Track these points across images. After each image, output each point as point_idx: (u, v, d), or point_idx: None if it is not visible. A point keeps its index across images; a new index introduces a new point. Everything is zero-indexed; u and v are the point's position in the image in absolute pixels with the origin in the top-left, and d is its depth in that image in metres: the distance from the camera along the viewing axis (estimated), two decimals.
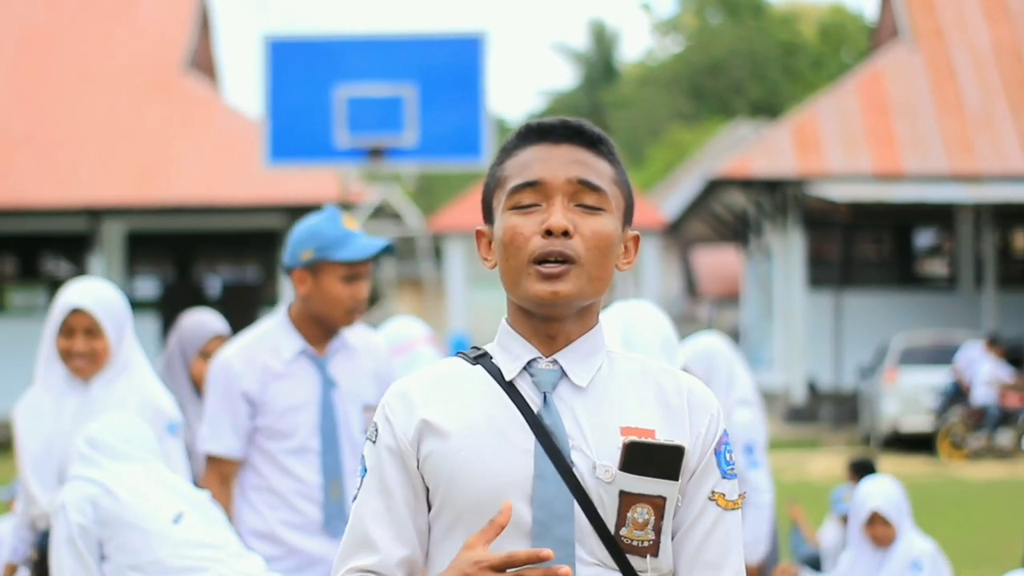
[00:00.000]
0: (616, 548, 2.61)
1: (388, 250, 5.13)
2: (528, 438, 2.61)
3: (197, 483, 6.15)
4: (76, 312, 5.22)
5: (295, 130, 20.53)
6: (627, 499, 2.60)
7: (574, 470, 2.60)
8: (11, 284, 28.59)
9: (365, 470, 2.68)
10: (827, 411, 26.16)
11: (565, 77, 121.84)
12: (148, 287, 28.69)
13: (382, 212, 30.66)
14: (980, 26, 28.64)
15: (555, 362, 2.67)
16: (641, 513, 2.60)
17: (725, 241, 35.26)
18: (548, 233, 2.63)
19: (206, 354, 6.20)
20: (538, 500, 2.59)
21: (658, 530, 2.62)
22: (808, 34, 59.40)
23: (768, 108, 55.23)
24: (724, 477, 2.68)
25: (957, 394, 21.99)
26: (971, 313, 26.82)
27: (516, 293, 2.66)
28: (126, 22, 30.20)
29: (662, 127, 59.62)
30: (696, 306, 45.29)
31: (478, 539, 2.52)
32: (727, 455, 2.70)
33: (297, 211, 27.27)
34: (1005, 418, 21.91)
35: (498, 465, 2.60)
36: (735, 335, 38.60)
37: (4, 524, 7.84)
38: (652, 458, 2.60)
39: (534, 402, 2.64)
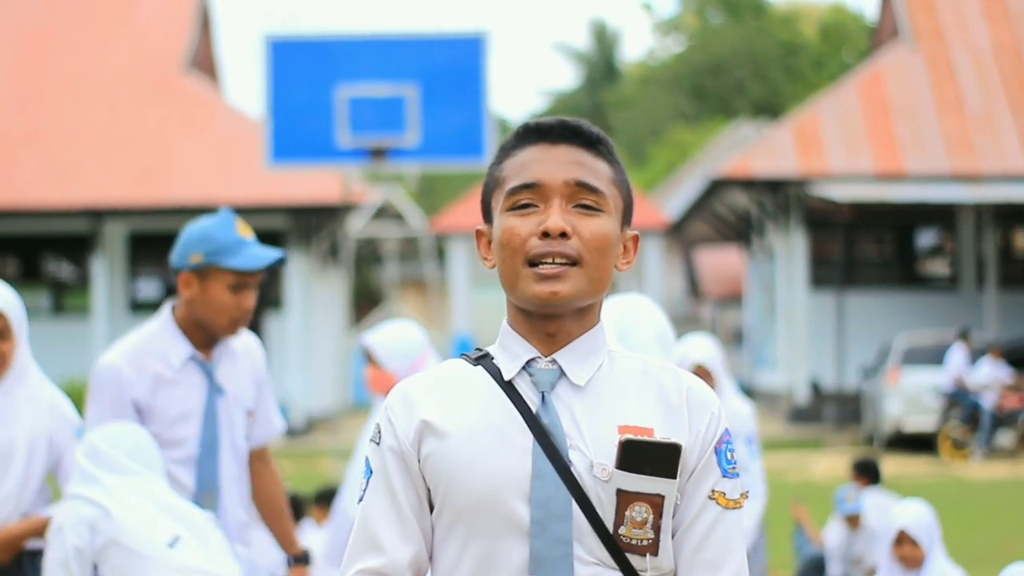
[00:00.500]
0: (615, 547, 2.60)
1: (280, 262, 4.98)
2: (526, 437, 2.61)
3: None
4: None
5: (296, 130, 20.52)
6: (625, 498, 2.59)
7: (572, 469, 2.59)
8: (12, 285, 28.56)
9: (370, 472, 2.69)
10: (830, 411, 26.16)
11: (566, 77, 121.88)
12: (150, 288, 28.68)
13: (385, 212, 30.67)
14: (980, 26, 28.64)
15: (554, 361, 2.66)
16: (639, 512, 2.59)
17: (727, 241, 35.25)
18: (546, 235, 2.62)
19: None
20: (536, 499, 2.58)
21: (657, 529, 2.61)
22: (809, 34, 59.40)
23: (769, 108, 55.23)
24: (725, 476, 2.67)
25: (955, 396, 21.99)
26: (973, 313, 26.82)
27: (515, 294, 2.66)
28: (126, 22, 30.20)
29: (664, 127, 59.62)
30: (699, 306, 45.28)
31: None
32: (728, 454, 2.68)
33: (299, 212, 27.30)
34: (1005, 419, 21.92)
35: (496, 465, 2.60)
36: (738, 335, 38.63)
37: None
38: (649, 456, 2.59)
39: (532, 402, 2.64)
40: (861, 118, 27.33)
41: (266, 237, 28.71)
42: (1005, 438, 22.06)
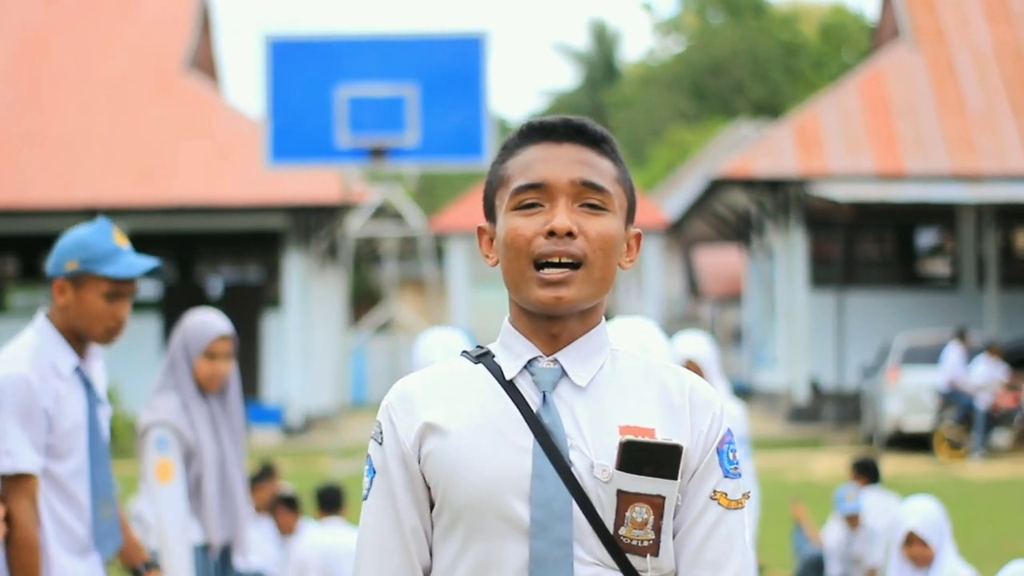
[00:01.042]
0: (615, 547, 2.59)
1: (155, 271, 4.95)
2: (527, 437, 2.60)
3: (189, 485, 6.14)
4: None
5: (296, 130, 20.53)
6: (625, 498, 2.58)
7: (572, 469, 2.58)
8: (12, 284, 28.59)
9: (373, 471, 2.70)
10: (830, 411, 26.15)
11: (566, 77, 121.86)
12: (149, 287, 28.67)
13: (384, 212, 30.65)
14: (981, 26, 28.63)
15: (555, 361, 2.65)
16: (640, 512, 2.59)
17: (727, 241, 35.26)
18: (552, 234, 2.61)
19: (211, 355, 6.17)
20: (536, 499, 2.57)
21: (658, 529, 2.60)
22: (809, 34, 59.40)
23: (769, 108, 55.24)
24: (726, 476, 2.66)
25: (950, 396, 21.99)
26: (973, 313, 26.81)
27: (518, 296, 2.66)
28: (127, 22, 30.20)
29: (664, 127, 59.62)
30: (698, 306, 45.29)
31: None
32: (730, 454, 2.68)
33: (299, 211, 27.29)
34: (1000, 418, 21.92)
35: (496, 464, 2.59)
36: (737, 335, 38.64)
37: None
38: (649, 457, 2.58)
39: (533, 401, 2.63)
40: (861, 118, 27.33)
41: (265, 237, 28.73)
42: (1001, 438, 22.05)
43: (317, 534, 9.60)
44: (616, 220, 2.66)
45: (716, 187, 28.99)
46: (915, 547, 7.18)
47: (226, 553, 6.27)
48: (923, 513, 7.24)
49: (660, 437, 2.60)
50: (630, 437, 2.59)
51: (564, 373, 2.65)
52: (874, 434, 23.59)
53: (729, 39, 58.23)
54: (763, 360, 31.04)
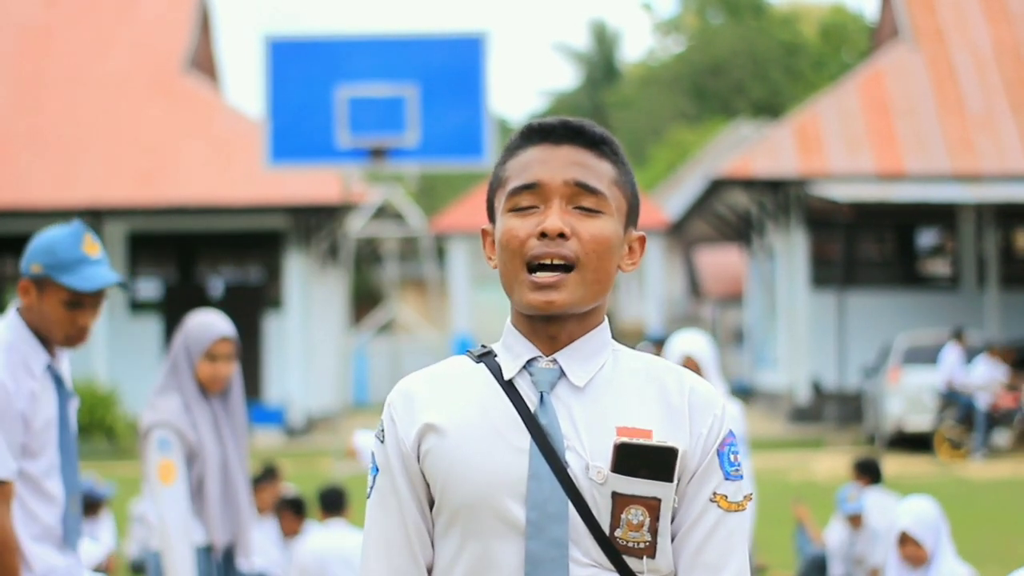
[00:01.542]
0: (612, 549, 2.58)
1: (120, 286, 4.93)
2: (524, 437, 2.60)
3: (191, 486, 6.13)
4: None
5: (296, 130, 20.52)
6: (620, 500, 2.57)
7: (568, 471, 2.57)
8: (12, 284, 28.57)
9: (376, 469, 2.71)
10: (831, 411, 26.15)
11: (566, 77, 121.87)
12: (150, 288, 28.68)
13: (384, 212, 30.65)
14: (981, 26, 28.63)
15: (554, 361, 2.65)
16: (635, 514, 2.58)
17: (728, 241, 35.25)
18: (544, 235, 2.61)
19: (212, 356, 6.17)
20: (532, 500, 2.57)
21: (654, 531, 2.59)
22: (809, 34, 59.42)
23: (770, 108, 55.25)
24: (727, 478, 2.65)
25: (950, 396, 21.98)
26: (974, 313, 26.81)
27: (512, 298, 2.66)
28: (126, 22, 30.19)
29: (664, 127, 59.64)
30: (699, 306, 45.29)
31: None
32: (731, 456, 2.66)
33: (299, 211, 27.29)
34: (1000, 418, 21.92)
35: (492, 464, 2.59)
36: (738, 335, 38.63)
37: None
38: (644, 459, 2.57)
39: (531, 401, 2.63)
40: (861, 118, 27.32)
41: (266, 237, 28.72)
42: (1001, 438, 22.05)
43: (317, 537, 9.58)
44: (612, 222, 2.65)
45: (716, 187, 28.98)
46: (909, 547, 7.19)
47: (229, 554, 6.26)
48: (916, 513, 7.24)
49: (658, 438, 2.59)
50: (624, 439, 2.57)
51: (563, 374, 2.64)
52: (875, 434, 23.59)
53: (729, 39, 58.24)
54: (764, 360, 31.04)
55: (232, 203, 26.80)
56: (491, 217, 2.73)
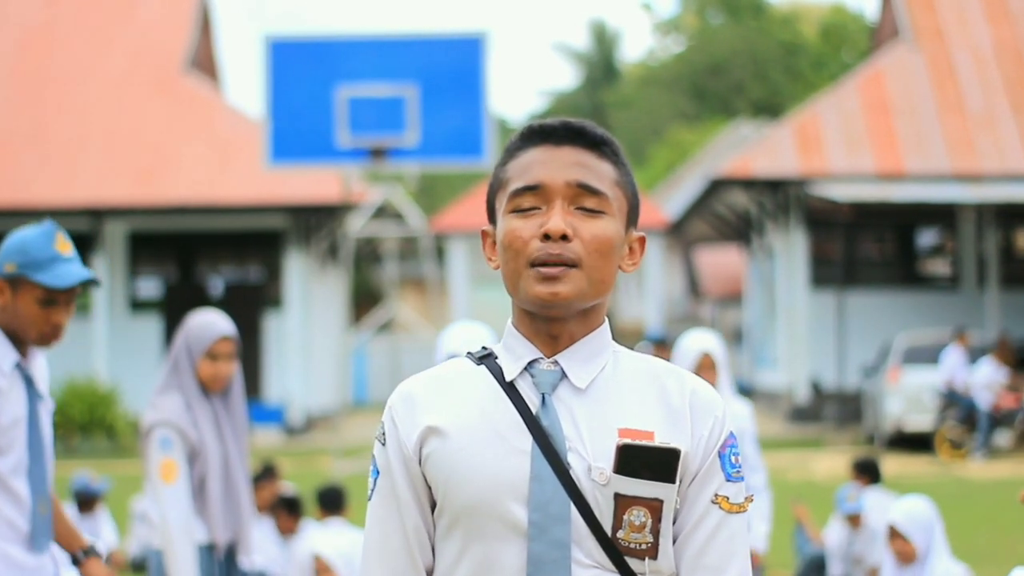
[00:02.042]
0: (614, 550, 2.58)
1: (91, 283, 4.93)
2: (525, 439, 2.60)
3: (193, 485, 6.15)
4: None
5: (296, 130, 20.54)
6: (622, 501, 2.58)
7: (570, 472, 2.58)
8: None
9: (377, 471, 2.71)
10: (831, 410, 26.15)
11: (566, 77, 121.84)
12: (150, 287, 28.69)
13: (384, 212, 30.67)
14: (981, 25, 28.63)
15: (556, 363, 2.65)
16: (638, 516, 2.58)
17: (728, 241, 35.25)
18: (546, 237, 2.61)
19: (213, 355, 6.18)
20: (534, 502, 2.57)
21: (656, 533, 2.59)
22: (809, 34, 59.42)
23: (769, 108, 55.25)
24: (728, 480, 2.65)
25: (951, 396, 21.99)
26: (974, 312, 26.82)
27: (517, 295, 2.66)
28: (127, 22, 30.20)
29: (664, 127, 59.64)
30: (699, 306, 45.30)
31: None
32: (732, 458, 2.66)
33: (299, 211, 27.30)
34: (1002, 419, 21.92)
35: (494, 466, 2.59)
36: (738, 335, 38.64)
37: None
38: (646, 461, 2.57)
39: (533, 403, 2.63)
40: (861, 118, 27.32)
41: (266, 236, 28.72)
42: (1002, 438, 22.06)
43: (319, 533, 9.59)
44: (613, 223, 2.66)
45: (716, 187, 28.98)
46: (896, 542, 7.21)
47: (231, 553, 6.28)
48: (908, 510, 7.27)
49: (659, 440, 2.60)
50: (627, 440, 2.58)
51: (564, 375, 2.64)
52: (875, 434, 23.59)
53: (729, 39, 58.25)
54: (764, 360, 31.04)
55: (232, 203, 26.80)
56: (491, 218, 2.74)
